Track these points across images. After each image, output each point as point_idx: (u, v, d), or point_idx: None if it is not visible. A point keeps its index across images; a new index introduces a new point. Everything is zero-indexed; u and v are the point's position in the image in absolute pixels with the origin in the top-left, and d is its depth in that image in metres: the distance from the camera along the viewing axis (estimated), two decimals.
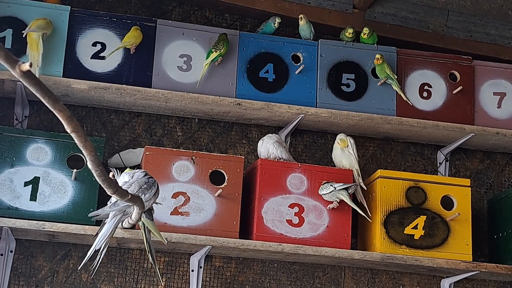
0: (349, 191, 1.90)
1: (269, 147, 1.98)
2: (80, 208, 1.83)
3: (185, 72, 2.02)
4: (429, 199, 1.99)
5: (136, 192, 1.55)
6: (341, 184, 1.90)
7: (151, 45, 2.01)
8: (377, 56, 2.05)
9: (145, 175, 1.62)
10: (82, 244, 1.97)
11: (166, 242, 1.69)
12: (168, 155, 1.89)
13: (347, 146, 2.01)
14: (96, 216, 1.57)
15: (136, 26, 1.99)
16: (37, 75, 1.80)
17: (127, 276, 2.01)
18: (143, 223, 1.66)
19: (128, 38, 1.97)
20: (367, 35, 2.11)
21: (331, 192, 1.89)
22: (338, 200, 1.91)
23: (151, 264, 1.86)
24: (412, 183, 1.99)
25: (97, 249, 1.54)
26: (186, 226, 1.85)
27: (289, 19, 2.23)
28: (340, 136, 2.03)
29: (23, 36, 1.91)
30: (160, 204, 1.71)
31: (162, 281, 2.00)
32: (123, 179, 1.63)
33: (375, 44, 2.12)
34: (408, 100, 2.10)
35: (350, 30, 2.09)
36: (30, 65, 0.88)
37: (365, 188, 2.00)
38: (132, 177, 1.61)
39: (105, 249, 1.56)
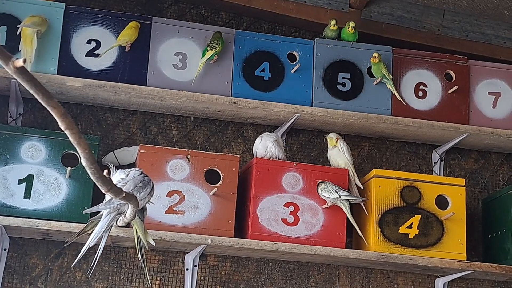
0: (350, 201, 1.90)
1: (268, 144, 1.98)
2: (74, 206, 1.82)
3: (181, 70, 2.02)
4: (424, 199, 1.99)
5: (131, 190, 1.55)
6: (347, 193, 1.89)
7: (146, 43, 2.01)
8: (375, 54, 2.05)
9: (140, 174, 1.62)
10: (76, 242, 1.96)
11: (147, 246, 1.66)
12: (163, 153, 1.89)
13: (335, 146, 2.01)
14: (91, 212, 1.56)
15: (132, 22, 1.97)
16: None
17: (121, 275, 2.00)
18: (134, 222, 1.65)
19: (123, 36, 1.96)
20: (354, 29, 2.09)
21: (334, 198, 1.88)
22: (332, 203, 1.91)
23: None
24: (407, 182, 2.00)
25: (91, 247, 1.54)
26: (181, 225, 1.85)
27: (285, 18, 2.22)
28: (329, 136, 2.04)
29: (18, 32, 1.90)
30: (153, 203, 1.70)
31: (153, 282, 1.99)
32: (118, 176, 1.62)
33: (351, 42, 2.11)
34: (402, 99, 2.10)
35: (333, 22, 2.09)
36: (24, 62, 0.87)
37: (362, 187, 2.00)
38: (127, 175, 1.61)
39: (102, 247, 1.56)
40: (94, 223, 1.58)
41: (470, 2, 2.24)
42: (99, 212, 1.58)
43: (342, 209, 1.90)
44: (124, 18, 2.01)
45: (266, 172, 1.93)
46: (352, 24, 2.09)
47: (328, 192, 1.88)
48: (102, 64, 1.97)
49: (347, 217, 1.93)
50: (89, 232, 1.58)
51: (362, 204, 1.95)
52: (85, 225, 1.61)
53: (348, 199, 1.88)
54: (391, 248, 1.94)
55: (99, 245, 1.56)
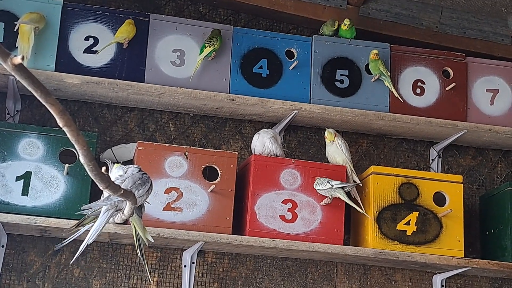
0: (345, 190, 1.90)
1: (265, 141, 1.98)
2: (72, 203, 1.82)
3: (178, 67, 2.01)
4: (422, 195, 1.99)
5: (130, 187, 1.55)
6: (339, 182, 1.89)
7: (144, 39, 2.00)
8: (374, 51, 2.05)
9: (139, 171, 1.61)
10: (74, 239, 1.96)
11: (147, 242, 1.65)
12: (161, 150, 1.89)
13: (333, 141, 2.01)
14: (88, 209, 1.56)
15: (129, 19, 1.98)
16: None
17: (119, 272, 2.00)
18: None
19: (121, 33, 1.96)
20: (348, 27, 2.10)
21: (327, 189, 1.89)
22: (331, 197, 1.91)
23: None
24: (405, 179, 2.00)
25: (89, 244, 1.54)
26: (179, 222, 1.85)
27: (283, 15, 2.22)
28: (327, 130, 2.04)
29: (15, 29, 1.90)
30: (149, 203, 1.70)
31: (151, 279, 1.99)
32: (116, 173, 1.62)
33: (350, 39, 2.12)
34: (400, 97, 2.10)
35: (330, 22, 2.09)
36: (22, 58, 0.87)
37: (361, 184, 2.00)
38: (125, 172, 1.60)
39: (93, 238, 1.55)
40: (89, 219, 1.57)
41: None
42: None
43: (339, 197, 1.90)
44: (122, 15, 2.01)
45: (264, 169, 1.93)
46: (347, 21, 2.09)
47: (321, 185, 1.89)
48: (100, 61, 1.97)
49: (345, 215, 1.94)
50: (81, 227, 1.57)
51: (356, 194, 1.96)
52: (77, 221, 1.60)
53: (340, 187, 1.88)
54: (389, 245, 1.94)
55: (89, 234, 1.54)
